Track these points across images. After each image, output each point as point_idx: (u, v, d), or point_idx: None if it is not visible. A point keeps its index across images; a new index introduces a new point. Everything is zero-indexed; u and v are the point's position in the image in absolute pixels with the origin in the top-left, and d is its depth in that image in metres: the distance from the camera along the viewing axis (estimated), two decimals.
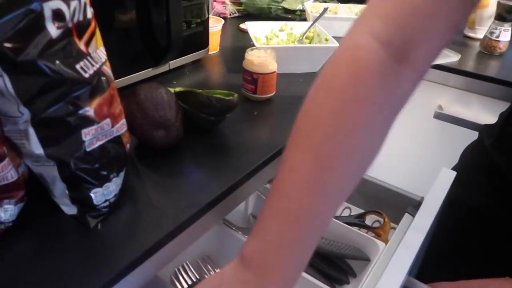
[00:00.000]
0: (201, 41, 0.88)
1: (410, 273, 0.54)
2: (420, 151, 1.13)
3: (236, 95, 0.63)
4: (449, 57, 1.03)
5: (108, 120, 0.45)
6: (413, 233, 0.54)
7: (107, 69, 0.47)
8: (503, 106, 0.98)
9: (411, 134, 1.10)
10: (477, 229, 0.72)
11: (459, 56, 1.04)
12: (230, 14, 1.25)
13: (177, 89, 0.68)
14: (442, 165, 0.71)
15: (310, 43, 0.95)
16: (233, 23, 1.22)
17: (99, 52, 0.47)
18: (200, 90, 0.66)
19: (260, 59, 0.73)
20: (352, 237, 0.73)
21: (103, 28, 0.48)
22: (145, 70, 0.77)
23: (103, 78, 0.45)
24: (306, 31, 0.95)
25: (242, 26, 1.16)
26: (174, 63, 0.82)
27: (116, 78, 0.70)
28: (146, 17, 0.72)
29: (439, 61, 1.01)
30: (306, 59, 0.87)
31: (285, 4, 1.23)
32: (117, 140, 0.47)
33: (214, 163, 0.58)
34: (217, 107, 0.60)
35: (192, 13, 0.82)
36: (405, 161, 1.14)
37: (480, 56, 1.09)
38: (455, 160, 0.89)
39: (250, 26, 0.95)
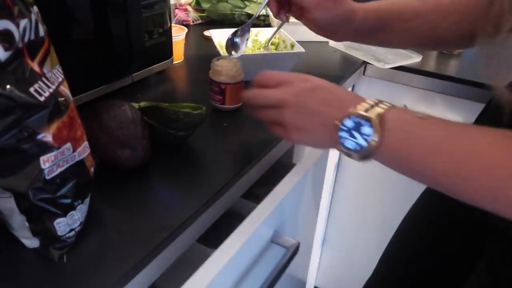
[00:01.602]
0: (165, 51, 0.86)
1: None
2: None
3: (204, 108, 0.61)
4: (412, 58, 1.05)
5: (68, 145, 0.42)
6: None
7: (65, 89, 0.44)
8: (466, 105, 1.01)
9: None
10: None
11: (421, 56, 1.07)
12: (193, 21, 1.23)
13: (143, 104, 0.66)
14: None
15: (276, 49, 0.95)
16: (197, 30, 1.20)
17: (55, 72, 0.44)
18: (167, 104, 0.63)
19: (227, 68, 0.71)
20: None
21: (59, 43, 0.45)
22: (107, 85, 0.73)
23: (61, 100, 0.42)
24: (271, 37, 0.94)
25: (206, 33, 1.14)
26: (137, 76, 0.79)
27: (76, 95, 0.67)
28: (105, 29, 0.69)
29: (401, 62, 1.03)
30: (273, 66, 0.86)
31: (248, 10, 1.22)
32: (80, 164, 0.44)
33: (184, 181, 0.56)
34: (185, 122, 0.58)
35: (153, 23, 0.79)
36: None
37: (441, 56, 1.12)
38: None
39: (215, 34, 0.93)
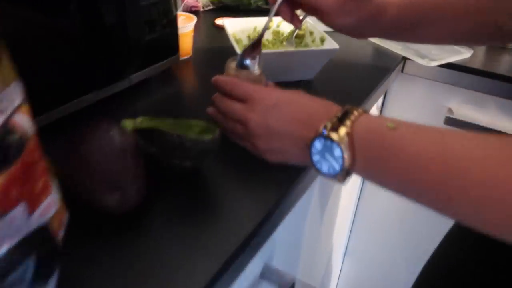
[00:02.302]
0: (170, 46, 0.71)
1: None
2: None
3: (217, 130, 0.47)
4: (461, 53, 0.89)
5: (21, 207, 0.29)
6: None
7: (22, 119, 0.31)
8: None
9: None
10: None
11: (471, 51, 0.91)
12: (203, 8, 1.07)
13: (139, 120, 0.52)
14: None
15: (301, 43, 0.79)
16: (208, 18, 1.04)
17: (9, 93, 0.30)
18: (170, 121, 0.50)
19: (245, 74, 0.56)
20: None
21: (25, 40, 0.31)
22: (97, 91, 0.59)
23: (12, 139, 0.29)
24: (296, 29, 0.79)
25: (218, 21, 0.99)
26: (136, 77, 0.65)
27: (52, 108, 0.53)
28: (93, 20, 0.55)
29: (449, 58, 0.87)
30: (300, 65, 0.72)
31: None
32: (41, 231, 0.31)
33: (195, 231, 0.42)
34: (193, 150, 0.44)
35: (155, 11, 0.64)
36: None
37: (492, 50, 0.96)
38: None
39: (228, 24, 0.78)
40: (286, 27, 0.81)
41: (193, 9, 1.05)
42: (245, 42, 0.80)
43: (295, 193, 0.52)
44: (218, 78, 0.54)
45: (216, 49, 0.87)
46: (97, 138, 0.40)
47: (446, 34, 0.58)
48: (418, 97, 0.94)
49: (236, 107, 0.50)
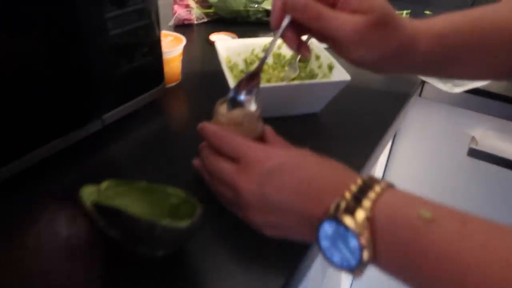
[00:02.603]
0: (152, 75, 0.61)
1: None
2: (450, 199, 0.89)
3: (199, 208, 0.37)
4: None
5: None
6: None
7: None
8: None
9: (439, 177, 0.86)
10: None
11: None
12: (196, 20, 0.97)
13: (104, 187, 0.42)
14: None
15: (306, 68, 0.69)
16: (201, 32, 0.94)
17: None
18: (142, 187, 0.40)
19: (237, 114, 0.46)
20: None
21: None
22: (59, 139, 0.49)
23: None
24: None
25: (213, 37, 0.89)
26: (110, 117, 0.55)
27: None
28: (48, 60, 0.45)
29: (475, 83, 0.76)
30: (304, 99, 0.61)
31: (266, 5, 0.95)
32: None
33: None
34: (165, 238, 0.34)
35: (132, 40, 0.54)
36: None
37: None
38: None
39: (221, 46, 0.68)
40: (288, 50, 0.71)
41: (186, 22, 0.95)
42: (241, 67, 0.70)
43: (301, 273, 0.42)
44: (205, 126, 0.44)
45: (210, 71, 0.77)
46: (34, 232, 0.30)
47: (485, 71, 0.48)
48: (438, 124, 0.84)
49: (225, 169, 0.41)
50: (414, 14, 1.04)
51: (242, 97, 0.48)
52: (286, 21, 0.43)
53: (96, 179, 0.49)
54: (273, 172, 0.38)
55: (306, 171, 0.38)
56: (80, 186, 0.47)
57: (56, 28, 0.44)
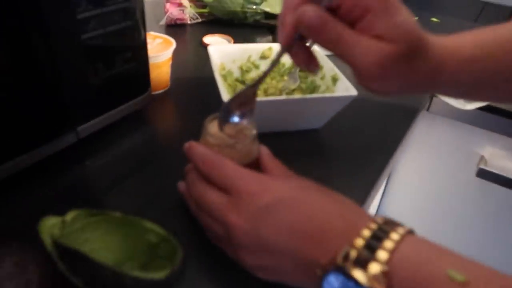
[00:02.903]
0: (137, 82, 0.55)
1: None
2: (460, 222, 0.83)
3: (179, 254, 0.31)
4: None
5: None
6: None
7: None
8: None
9: (445, 199, 0.81)
10: None
11: None
12: (190, 20, 0.91)
13: (69, 218, 0.36)
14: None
15: (306, 78, 0.63)
16: (195, 33, 0.88)
17: None
18: (116, 220, 0.34)
19: (231, 141, 0.40)
20: None
21: None
22: (28, 153, 0.43)
23: None
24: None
25: (207, 40, 0.82)
26: (86, 129, 0.49)
27: None
28: (21, 58, 0.39)
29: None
30: (305, 114, 0.56)
31: (265, 7, 0.89)
32: None
33: None
34: None
35: (113, 42, 0.48)
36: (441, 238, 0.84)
37: None
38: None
39: (214, 52, 0.61)
40: (288, 58, 0.65)
41: (178, 22, 0.89)
42: (236, 74, 0.63)
43: None
44: (192, 147, 0.38)
45: (202, 77, 0.71)
46: None
47: None
48: (446, 141, 0.78)
49: (214, 201, 0.35)
50: (420, 21, 0.98)
51: (236, 118, 0.42)
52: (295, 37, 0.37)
53: (64, 203, 0.43)
54: (269, 209, 0.33)
55: (308, 209, 0.33)
56: (44, 211, 0.41)
57: (19, 32, 0.37)
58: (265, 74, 0.39)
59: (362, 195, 0.49)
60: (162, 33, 0.65)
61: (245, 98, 0.41)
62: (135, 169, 0.49)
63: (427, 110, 0.76)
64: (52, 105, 0.44)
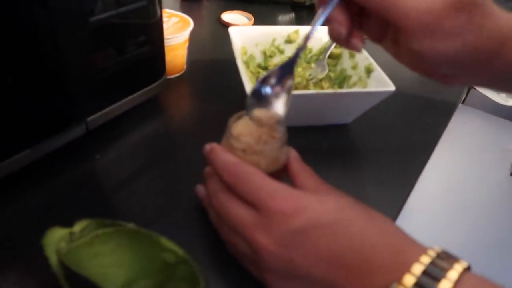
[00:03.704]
0: (151, 68, 0.50)
1: None
2: (494, 222, 0.78)
3: (201, 283, 0.27)
4: None
5: None
6: None
7: None
8: None
9: (476, 197, 0.76)
10: None
11: None
12: None
13: (77, 230, 0.32)
14: None
15: (335, 65, 0.58)
16: (212, 9, 0.82)
17: None
18: (128, 233, 0.30)
19: (258, 147, 0.35)
20: None
21: None
22: (34, 147, 0.39)
23: None
24: (330, 46, 0.57)
25: (225, 17, 0.76)
26: (95, 120, 0.45)
27: None
28: (13, 57, 0.34)
29: None
30: (336, 109, 0.50)
31: None
32: None
33: None
34: None
35: (124, 24, 0.43)
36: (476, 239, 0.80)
37: None
38: None
39: (235, 34, 0.56)
40: (316, 42, 0.59)
41: None
42: (259, 60, 0.58)
43: None
44: (215, 151, 0.34)
45: (221, 59, 0.65)
46: None
47: None
48: (479, 136, 0.73)
49: (240, 217, 0.31)
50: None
51: (268, 90, 0.36)
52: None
53: (71, 202, 0.40)
54: (304, 233, 0.29)
55: (348, 236, 0.28)
56: (49, 213, 0.38)
57: (20, 16, 0.32)
58: (301, 48, 0.34)
59: (398, 202, 0.44)
60: (177, 9, 0.60)
61: (279, 75, 0.35)
62: (148, 165, 0.45)
63: (462, 102, 0.70)
64: (58, 95, 0.39)
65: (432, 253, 0.27)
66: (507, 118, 0.69)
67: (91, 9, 0.37)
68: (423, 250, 0.27)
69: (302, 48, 0.34)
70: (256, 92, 0.34)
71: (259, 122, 0.35)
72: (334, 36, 0.34)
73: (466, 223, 0.77)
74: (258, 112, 0.35)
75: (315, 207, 0.29)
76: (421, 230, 0.80)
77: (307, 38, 0.34)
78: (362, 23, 0.35)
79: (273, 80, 0.34)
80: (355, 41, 0.34)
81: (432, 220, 0.72)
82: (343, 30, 0.33)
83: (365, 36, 0.35)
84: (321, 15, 0.32)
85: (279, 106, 0.35)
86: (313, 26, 0.33)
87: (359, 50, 0.35)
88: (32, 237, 0.30)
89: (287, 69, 0.34)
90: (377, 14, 0.31)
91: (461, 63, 0.31)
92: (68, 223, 0.31)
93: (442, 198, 0.80)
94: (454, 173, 0.77)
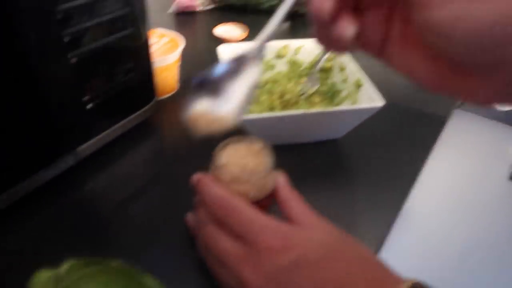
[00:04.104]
0: (140, 93, 0.50)
1: None
2: (492, 227, 0.77)
3: None
4: None
5: None
6: None
7: None
8: None
9: (475, 202, 0.75)
10: None
11: None
12: (200, 7, 0.84)
13: (64, 270, 0.32)
14: None
15: (327, 79, 0.57)
16: (206, 22, 0.82)
17: None
18: (112, 271, 0.30)
19: (245, 177, 0.35)
20: None
21: None
22: (23, 182, 0.40)
23: None
24: (321, 59, 0.57)
25: (218, 31, 0.76)
26: (86, 149, 0.45)
27: None
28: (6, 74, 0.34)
29: None
30: (325, 127, 0.50)
31: None
32: None
33: None
34: None
35: (114, 53, 0.43)
36: (474, 245, 0.79)
37: None
38: None
39: (224, 51, 0.56)
40: (306, 55, 0.59)
41: (188, 9, 0.83)
42: None
43: None
44: (202, 182, 0.34)
45: None
46: None
47: None
48: (476, 141, 0.72)
49: (227, 250, 0.31)
50: None
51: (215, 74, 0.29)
52: None
53: (60, 237, 0.40)
54: (290, 269, 0.29)
55: (333, 271, 0.29)
56: (37, 251, 0.38)
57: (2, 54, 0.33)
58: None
59: (389, 217, 0.44)
60: (171, 22, 0.60)
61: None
62: (140, 192, 0.46)
63: (459, 107, 0.69)
64: (45, 129, 0.40)
65: (407, 285, 0.27)
66: (504, 122, 0.68)
67: (73, 42, 0.38)
68: (400, 281, 0.28)
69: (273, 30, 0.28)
70: (203, 80, 0.29)
71: (241, 179, 0.34)
72: (315, 16, 0.24)
73: (465, 229, 0.76)
74: (240, 163, 0.35)
75: (303, 244, 0.30)
76: (418, 236, 0.80)
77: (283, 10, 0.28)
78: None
79: (229, 65, 0.29)
80: (343, 23, 0.24)
81: (429, 226, 0.71)
82: (326, 4, 0.23)
83: (363, 51, 0.27)
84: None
85: (233, 100, 0.29)
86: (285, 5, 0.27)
87: (348, 39, 0.25)
88: (20, 278, 0.31)
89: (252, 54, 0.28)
90: None
91: (494, 42, 0.20)
92: (58, 259, 0.32)
93: (439, 204, 0.80)
94: (452, 179, 0.77)
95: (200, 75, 0.29)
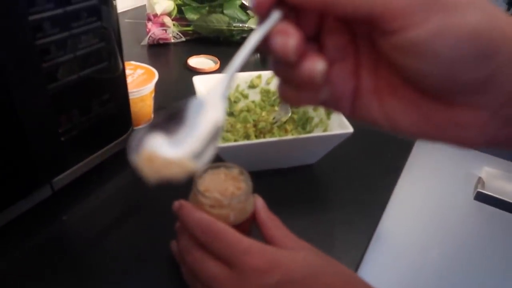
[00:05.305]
0: (116, 123, 0.51)
1: None
2: (458, 247, 0.81)
3: None
4: None
5: None
6: None
7: None
8: None
9: (443, 222, 0.78)
10: None
11: None
12: (173, 39, 0.86)
13: None
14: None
15: (298, 108, 0.60)
16: (179, 53, 0.84)
17: None
18: None
19: (225, 201, 0.36)
20: None
21: None
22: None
23: None
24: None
25: (192, 62, 0.78)
26: (62, 180, 0.45)
27: None
28: None
29: None
30: (297, 153, 0.52)
31: (252, 24, 0.86)
32: None
33: None
34: None
35: (90, 85, 0.44)
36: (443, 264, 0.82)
37: None
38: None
39: (198, 82, 0.58)
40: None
41: (161, 41, 0.85)
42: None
43: None
44: (184, 208, 0.35)
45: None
46: None
47: None
48: (443, 162, 0.76)
49: (213, 274, 0.32)
50: None
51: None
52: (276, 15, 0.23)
53: (36, 269, 0.39)
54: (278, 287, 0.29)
55: (318, 287, 0.30)
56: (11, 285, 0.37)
57: None
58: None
59: (364, 239, 0.46)
60: (144, 55, 0.61)
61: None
62: (119, 221, 0.46)
63: None
64: (20, 161, 0.39)
65: None
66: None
67: (50, 74, 0.38)
68: None
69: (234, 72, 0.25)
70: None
71: (221, 203, 0.35)
72: (278, 54, 0.22)
73: (436, 247, 0.79)
74: (219, 186, 0.36)
75: (288, 264, 0.31)
76: (393, 256, 0.82)
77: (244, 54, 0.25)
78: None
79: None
80: (312, 59, 0.22)
81: (403, 246, 0.74)
82: (291, 41, 0.22)
83: (335, 110, 0.26)
84: (260, 29, 0.23)
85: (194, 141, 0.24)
86: (249, 44, 0.24)
87: (316, 78, 0.23)
88: None
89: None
90: (356, 17, 0.21)
91: (480, 54, 0.20)
92: None
93: (411, 224, 0.83)
94: (422, 200, 0.80)
95: (164, 112, 0.25)
